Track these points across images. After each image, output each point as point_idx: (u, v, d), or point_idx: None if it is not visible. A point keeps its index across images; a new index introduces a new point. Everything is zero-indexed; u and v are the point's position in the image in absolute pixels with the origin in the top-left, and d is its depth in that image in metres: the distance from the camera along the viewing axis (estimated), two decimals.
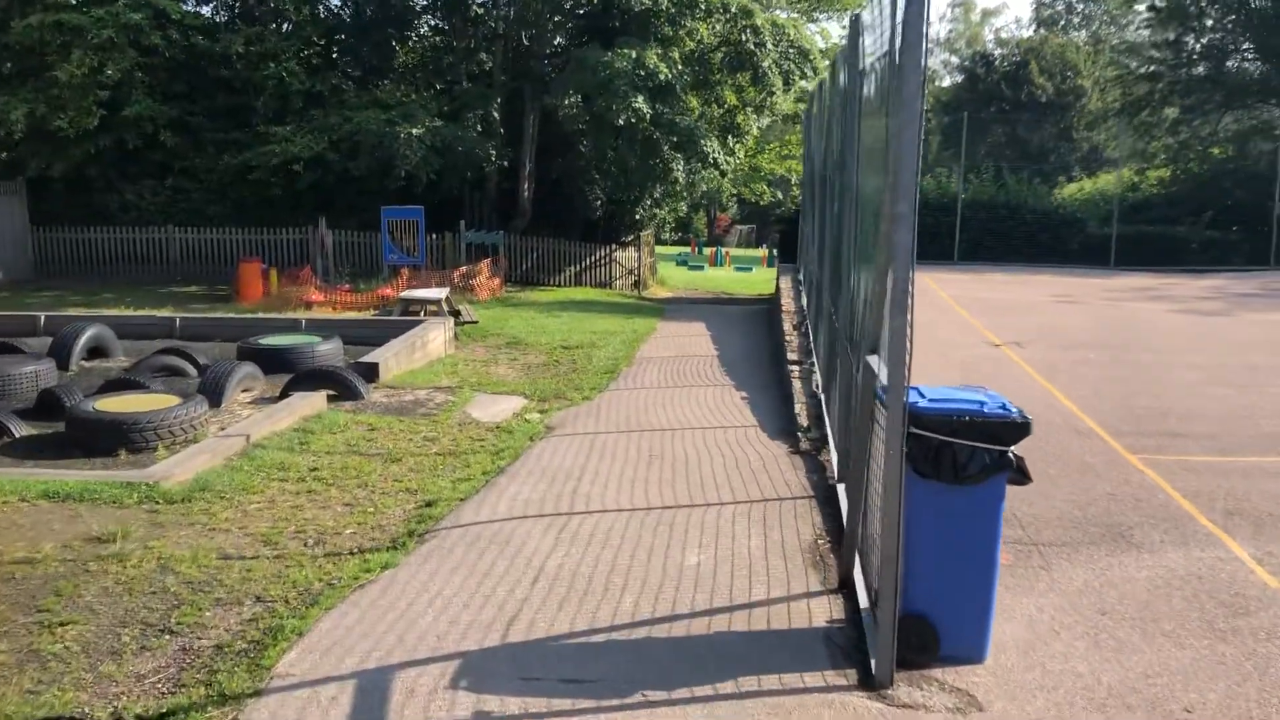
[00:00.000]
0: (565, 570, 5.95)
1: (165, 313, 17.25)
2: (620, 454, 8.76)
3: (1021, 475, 4.77)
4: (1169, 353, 13.17)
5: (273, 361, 12.42)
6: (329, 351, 12.86)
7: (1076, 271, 24.68)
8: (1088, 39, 49.26)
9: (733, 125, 25.69)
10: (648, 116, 21.93)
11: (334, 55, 28.18)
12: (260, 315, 17.40)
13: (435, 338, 14.11)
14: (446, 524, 6.89)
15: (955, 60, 59.54)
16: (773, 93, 24.38)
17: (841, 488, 7.08)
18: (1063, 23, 54.50)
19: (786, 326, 14.26)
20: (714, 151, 23.23)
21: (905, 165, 4.17)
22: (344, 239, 25.14)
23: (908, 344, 4.27)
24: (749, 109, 26.05)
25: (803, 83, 25.19)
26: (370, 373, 11.96)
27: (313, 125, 24.25)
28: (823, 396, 9.77)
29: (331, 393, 11.10)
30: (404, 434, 9.70)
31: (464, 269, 22.86)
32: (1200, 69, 31.11)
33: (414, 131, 22.19)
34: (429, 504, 7.42)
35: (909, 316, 4.23)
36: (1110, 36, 46.70)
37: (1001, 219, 26.99)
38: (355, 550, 6.44)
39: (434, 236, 24.95)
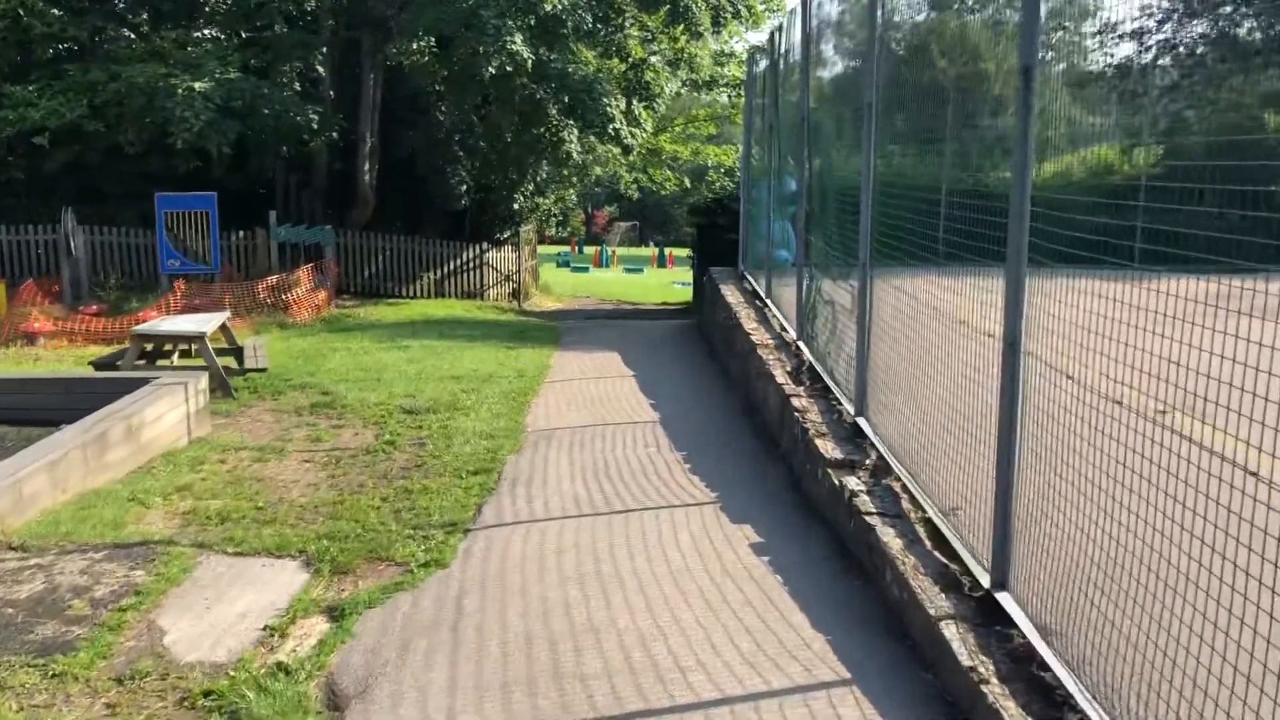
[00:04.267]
0: None
1: None
2: None
3: None
4: None
5: None
6: None
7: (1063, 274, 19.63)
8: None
9: (640, 85, 19.55)
10: (529, 64, 15.70)
11: None
12: None
13: (164, 413, 7.83)
14: None
15: None
16: (699, 34, 18.35)
17: None
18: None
19: (779, 374, 8.50)
20: (618, 116, 17.16)
21: None
22: (114, 240, 18.45)
23: None
24: (660, 63, 19.97)
25: (738, 28, 19.35)
26: None
27: (66, 84, 17.51)
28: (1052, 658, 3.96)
29: None
30: None
31: (275, 279, 16.44)
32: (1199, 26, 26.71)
33: (196, 86, 15.62)
34: None
35: None
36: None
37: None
38: None
39: (239, 235, 18.48)
